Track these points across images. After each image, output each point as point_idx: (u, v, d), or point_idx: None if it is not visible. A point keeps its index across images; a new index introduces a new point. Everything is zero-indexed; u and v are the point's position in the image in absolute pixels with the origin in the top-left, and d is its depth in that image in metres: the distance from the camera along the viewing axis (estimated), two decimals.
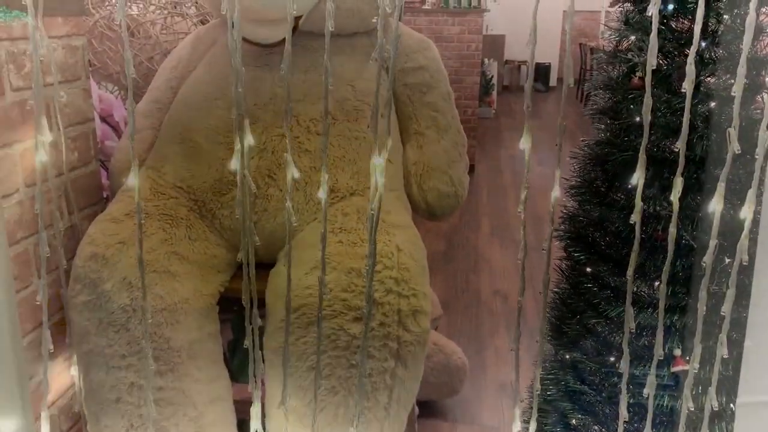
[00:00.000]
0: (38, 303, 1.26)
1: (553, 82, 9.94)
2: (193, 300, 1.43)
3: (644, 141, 1.09)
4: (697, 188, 1.42)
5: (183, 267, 1.45)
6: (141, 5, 2.55)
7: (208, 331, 1.46)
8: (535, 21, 0.95)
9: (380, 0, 1.02)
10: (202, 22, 2.55)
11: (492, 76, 7.81)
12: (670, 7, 1.44)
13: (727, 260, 1.42)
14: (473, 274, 3.67)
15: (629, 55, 1.45)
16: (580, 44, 8.71)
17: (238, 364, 1.87)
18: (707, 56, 1.42)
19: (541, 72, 9.48)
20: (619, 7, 1.58)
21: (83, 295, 1.40)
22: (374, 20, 1.02)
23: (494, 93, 7.97)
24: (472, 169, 1.58)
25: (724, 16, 1.46)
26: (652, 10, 1.02)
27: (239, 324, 1.88)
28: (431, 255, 1.53)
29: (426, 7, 5.27)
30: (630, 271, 1.12)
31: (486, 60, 7.44)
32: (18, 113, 1.33)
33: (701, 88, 1.41)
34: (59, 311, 1.51)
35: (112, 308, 1.38)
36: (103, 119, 1.98)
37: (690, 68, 1.03)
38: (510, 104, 8.92)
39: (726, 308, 1.09)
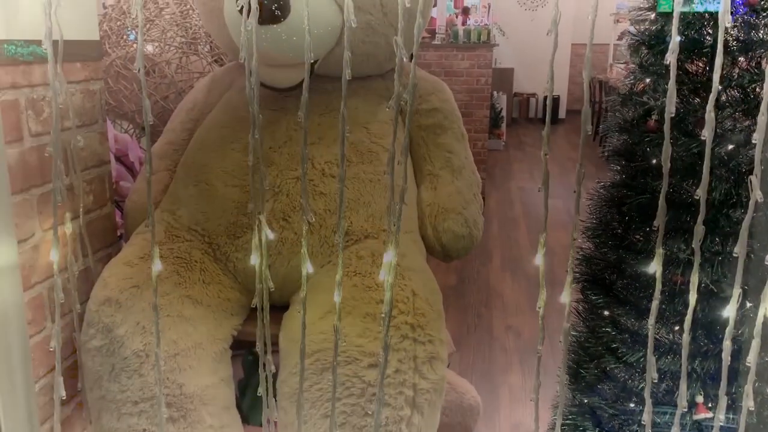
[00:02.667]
0: (51, 350, 1.25)
1: (562, 114, 9.98)
2: (206, 345, 1.42)
3: (663, 188, 1.08)
4: (716, 231, 1.40)
5: (196, 311, 1.44)
6: (157, 44, 2.58)
7: (221, 376, 1.45)
8: (552, 68, 0.95)
9: (398, 50, 1.02)
10: (216, 61, 2.58)
11: (501, 109, 7.84)
12: (678, 39, 1.43)
13: (749, 305, 1.40)
14: (485, 309, 3.63)
15: (644, 98, 1.44)
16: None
17: (248, 404, 1.85)
18: (723, 99, 1.42)
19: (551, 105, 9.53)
20: (629, 40, 1.57)
21: (96, 340, 1.39)
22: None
23: (503, 125, 8.00)
24: (481, 196, 1.60)
25: (740, 59, 1.46)
26: (671, 59, 1.02)
27: (250, 363, 1.87)
28: (442, 289, 1.51)
29: (435, 42, 5.32)
30: (651, 320, 1.10)
31: (495, 93, 7.48)
32: (36, 158, 1.34)
33: (717, 131, 1.40)
34: (72, 355, 1.50)
35: (125, 353, 1.36)
36: (118, 159, 2.00)
37: (709, 116, 1.02)
38: (519, 136, 8.94)
39: (751, 358, 1.06)
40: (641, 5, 1.50)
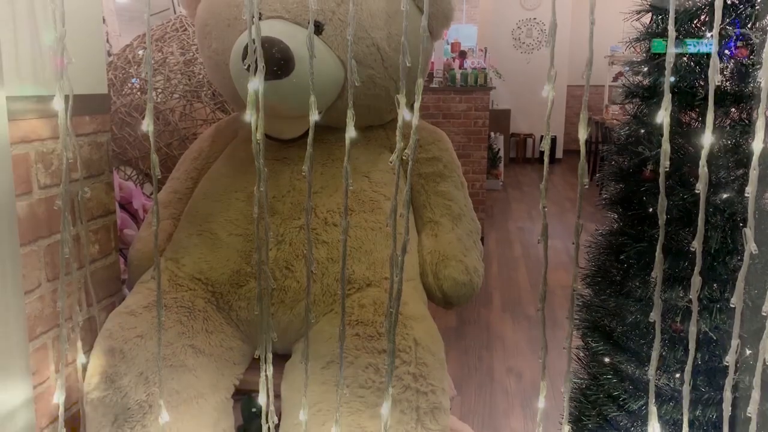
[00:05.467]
0: (55, 402, 1.25)
1: (559, 154, 10.08)
2: (208, 395, 1.43)
3: (660, 239, 1.10)
4: (713, 279, 1.42)
5: (199, 361, 1.44)
6: (161, 92, 2.63)
7: (222, 426, 1.45)
8: (549, 138, 0.98)
9: (400, 108, 1.06)
10: (220, 108, 2.63)
11: (499, 149, 7.93)
12: (674, 78, 1.45)
13: (748, 352, 1.41)
14: (485, 351, 3.62)
15: (639, 149, 1.48)
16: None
17: None
18: (716, 149, 1.45)
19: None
20: (624, 92, 1.61)
21: (99, 390, 1.39)
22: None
23: (501, 165, 8.08)
24: (481, 242, 1.62)
25: (731, 109, 1.49)
26: (663, 117, 1.05)
27: (249, 409, 1.86)
28: (442, 331, 1.51)
29: (433, 85, 5.41)
30: (651, 371, 1.11)
31: (492, 134, 7.57)
32: (44, 210, 1.37)
33: (712, 179, 1.43)
34: (74, 405, 1.50)
35: (128, 404, 1.37)
36: (122, 207, 2.02)
37: (702, 171, 1.05)
38: (517, 176, 9.02)
39: (752, 409, 1.07)
40: (635, 58, 1.55)
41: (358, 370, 1.33)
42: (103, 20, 1.96)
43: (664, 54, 1.06)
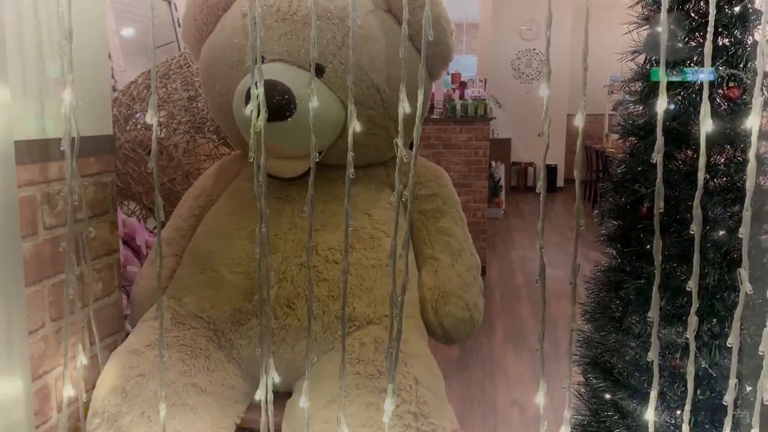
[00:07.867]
0: None
1: (559, 183, 10.12)
2: None
3: (656, 280, 1.11)
4: (711, 315, 1.43)
5: (201, 399, 1.45)
6: (164, 128, 2.67)
7: None
8: (544, 181, 1.00)
9: (399, 151, 1.08)
10: (223, 143, 2.66)
11: (500, 178, 7.97)
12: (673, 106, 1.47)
13: (749, 388, 1.41)
14: (489, 382, 3.60)
15: (636, 186, 1.50)
16: (586, 146, 8.94)
17: None
18: (711, 186, 1.47)
19: (548, 174, 9.68)
20: (620, 131, 1.64)
21: (102, 430, 1.39)
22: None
23: (503, 194, 8.11)
24: (483, 271, 1.63)
25: (726, 146, 1.52)
26: (657, 158, 1.07)
27: None
28: (444, 362, 1.51)
29: (434, 116, 5.46)
30: (651, 411, 1.12)
31: (493, 162, 7.62)
32: (49, 250, 1.39)
33: (709, 216, 1.45)
34: None
35: None
36: (125, 243, 2.04)
37: (696, 212, 1.07)
38: (518, 204, 9.04)
39: None
40: (629, 98, 1.58)
41: (359, 409, 1.33)
42: (108, 56, 2.00)
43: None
